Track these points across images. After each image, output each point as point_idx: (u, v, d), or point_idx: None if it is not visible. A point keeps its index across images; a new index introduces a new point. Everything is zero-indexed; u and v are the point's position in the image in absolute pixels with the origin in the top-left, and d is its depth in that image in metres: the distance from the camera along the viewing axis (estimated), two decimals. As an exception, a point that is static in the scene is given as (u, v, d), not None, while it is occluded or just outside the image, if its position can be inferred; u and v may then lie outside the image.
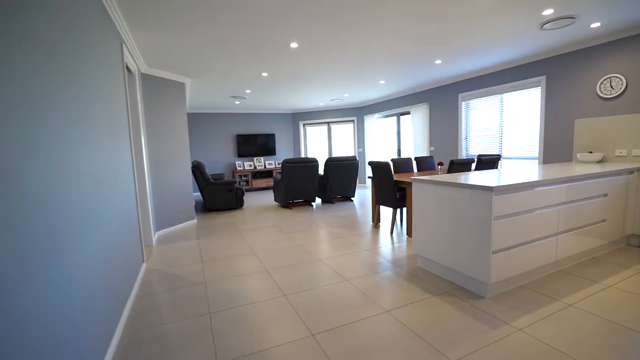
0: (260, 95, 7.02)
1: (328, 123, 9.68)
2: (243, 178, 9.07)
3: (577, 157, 4.18)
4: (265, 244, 3.96)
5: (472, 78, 5.70)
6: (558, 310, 2.17)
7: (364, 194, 7.90)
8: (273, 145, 9.71)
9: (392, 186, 4.11)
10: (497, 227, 2.28)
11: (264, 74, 5.13)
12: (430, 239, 2.80)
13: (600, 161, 4.01)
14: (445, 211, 2.61)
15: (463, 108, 6.00)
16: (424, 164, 5.51)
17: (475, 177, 2.74)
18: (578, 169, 3.19)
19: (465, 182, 2.43)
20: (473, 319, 2.10)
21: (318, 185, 6.69)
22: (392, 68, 5.10)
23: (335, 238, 4.11)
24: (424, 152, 7.00)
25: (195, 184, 8.30)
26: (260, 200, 7.46)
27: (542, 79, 4.62)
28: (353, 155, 8.26)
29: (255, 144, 9.48)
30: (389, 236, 4.10)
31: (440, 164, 4.76)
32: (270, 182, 9.38)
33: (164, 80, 4.73)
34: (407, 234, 4.10)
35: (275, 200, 6.88)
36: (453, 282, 2.65)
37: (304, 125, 9.96)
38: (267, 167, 9.56)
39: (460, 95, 5.98)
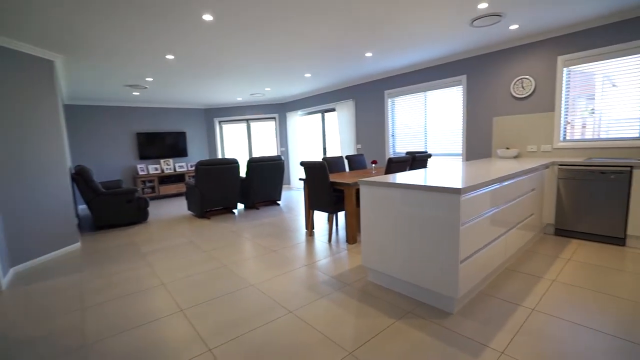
0: (166, 85, 5.88)
1: (247, 120, 8.87)
2: (148, 184, 7.64)
3: (497, 153, 4.40)
4: (178, 270, 3.11)
5: (398, 75, 5.68)
6: (525, 318, 2.00)
7: (290, 196, 7.38)
8: (184, 145, 8.45)
9: (328, 189, 3.68)
10: (464, 233, 2.00)
11: (169, 57, 4.17)
12: (384, 250, 2.43)
13: (516, 157, 4.28)
14: (403, 218, 2.25)
15: (389, 105, 5.97)
16: (356, 162, 5.27)
17: (432, 178, 2.46)
18: (511, 165, 3.23)
19: (428, 184, 2.10)
20: (451, 346, 1.76)
21: (240, 189, 5.91)
22: (320, 59, 4.69)
23: (266, 252, 3.49)
24: (351, 151, 6.83)
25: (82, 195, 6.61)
26: (171, 210, 6.29)
27: (463, 78, 4.78)
28: (277, 154, 7.66)
29: (162, 143, 8.09)
30: (328, 245, 3.67)
31: (374, 162, 4.55)
32: (182, 187, 8.13)
33: (17, 54, 3.41)
34: (347, 241, 3.73)
35: (189, 210, 5.85)
36: (414, 298, 2.32)
37: (219, 122, 8.94)
38: (177, 170, 8.27)
39: (386, 92, 5.93)
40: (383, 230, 2.41)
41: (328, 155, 7.75)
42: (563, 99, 3.92)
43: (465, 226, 2.01)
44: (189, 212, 6.00)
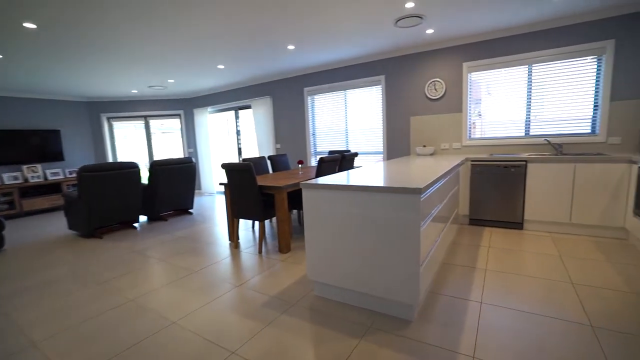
0: (27, 67, 4.50)
1: (145, 117, 7.60)
2: (3, 198, 5.81)
3: (416, 150, 4.63)
4: (58, 317, 2.28)
5: (318, 72, 5.54)
6: (478, 313, 2.00)
7: (203, 203, 6.58)
8: (58, 147, 6.73)
9: (256, 194, 3.26)
10: (423, 235, 1.89)
11: (29, 25, 3.12)
12: (333, 259, 2.18)
13: (433, 154, 4.57)
14: (356, 222, 2.03)
15: (309, 103, 5.79)
16: (280, 163, 4.92)
17: (378, 177, 2.31)
18: (437, 162, 3.36)
19: (386, 185, 1.92)
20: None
21: (142, 198, 4.94)
22: (237, 49, 4.19)
23: (185, 275, 2.88)
24: (269, 151, 6.44)
25: None
26: (43, 231, 4.87)
27: (382, 78, 4.90)
28: (186, 156, 6.73)
29: (24, 145, 6.26)
30: (259, 258, 3.25)
31: (300, 162, 4.29)
32: (57, 200, 6.46)
33: None
34: (279, 251, 3.37)
35: (71, 228, 4.59)
36: (370, 309, 2.13)
37: (108, 119, 7.44)
38: (50, 178, 6.53)
39: (306, 89, 5.74)
40: (331, 237, 2.15)
41: (244, 156, 7.19)
42: (468, 101, 4.33)
43: (424, 227, 1.90)
44: (72, 232, 4.73)
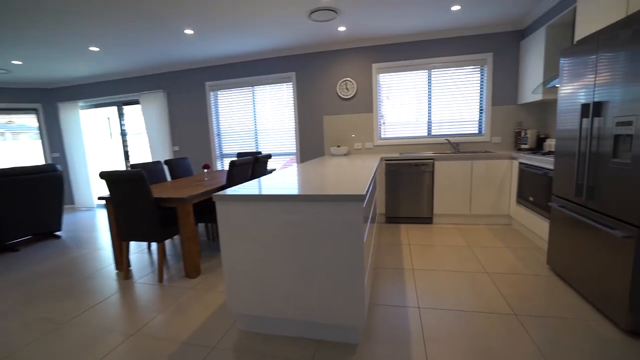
0: None
1: (-21, 112, 5.66)
2: None
3: (331, 150, 4.53)
4: None
5: (222, 65, 4.95)
6: (419, 321, 1.91)
7: (78, 221, 5.23)
8: None
9: (151, 208, 2.60)
10: (365, 246, 1.68)
11: None
12: (259, 285, 1.80)
13: (347, 154, 4.55)
14: (286, 239, 1.70)
15: (212, 100, 5.15)
16: (180, 168, 4.19)
17: (306, 183, 2.02)
18: (356, 163, 3.27)
19: (320, 193, 1.64)
20: (379, 397, 1.39)
21: (-26, 224, 3.55)
22: (116, 26, 3.35)
23: (50, 330, 2.07)
24: (165, 154, 5.52)
25: None
26: None
27: (293, 75, 4.65)
28: (49, 163, 5.22)
29: None
30: (160, 288, 2.60)
31: (206, 167, 3.71)
32: None
33: None
34: (187, 276, 2.77)
35: None
36: (308, 337, 1.82)
37: None
38: None
39: (207, 84, 5.08)
40: (256, 259, 1.77)
41: (134, 161, 6.02)
42: (378, 101, 4.44)
43: (365, 237, 1.70)
44: None
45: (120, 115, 5.86)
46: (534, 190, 3.03)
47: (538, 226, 2.99)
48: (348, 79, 4.45)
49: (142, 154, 5.92)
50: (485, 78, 4.08)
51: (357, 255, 1.61)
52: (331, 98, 4.57)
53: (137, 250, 3.56)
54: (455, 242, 3.23)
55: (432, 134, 4.36)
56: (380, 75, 4.39)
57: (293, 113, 4.78)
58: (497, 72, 4.02)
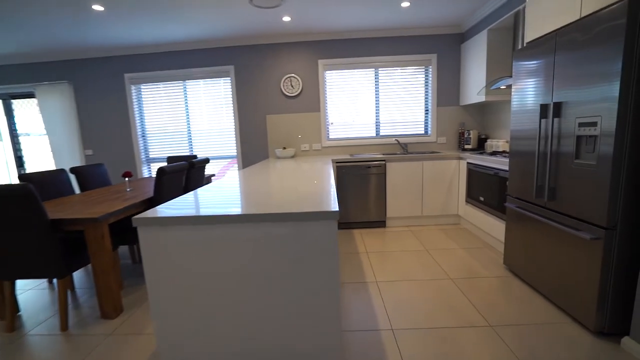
0: None
1: None
2: None
3: (276, 153, 4.15)
4: None
5: (145, 54, 4.22)
6: (396, 344, 1.68)
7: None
8: None
9: (46, 235, 1.96)
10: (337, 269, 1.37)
11: None
12: (203, 331, 1.38)
13: (294, 156, 4.21)
14: (239, 271, 1.31)
15: (133, 94, 4.39)
16: (93, 177, 3.42)
17: (269, 193, 1.64)
18: (307, 166, 2.97)
19: (282, 211, 1.29)
20: None
21: None
22: (-8, -5, 2.54)
23: None
24: (74, 160, 4.56)
25: None
26: None
27: (231, 68, 4.16)
28: None
29: None
30: (64, 339, 1.97)
31: (128, 175, 3.06)
32: None
33: None
34: (102, 317, 2.16)
35: None
36: (269, 391, 1.45)
37: None
38: None
39: (127, 76, 4.30)
40: (197, 299, 1.35)
41: (30, 169, 4.88)
42: (325, 100, 4.19)
43: (336, 259, 1.40)
44: None
45: (9, 111, 4.69)
46: (485, 190, 3.06)
47: (488, 225, 3.03)
48: (293, 75, 4.12)
49: (43, 160, 4.82)
50: (430, 79, 4.11)
51: (331, 281, 1.29)
52: (275, 95, 4.20)
53: (30, 285, 2.76)
54: (412, 247, 3.12)
55: (381, 134, 4.27)
56: (327, 72, 4.15)
57: (232, 111, 4.28)
58: (441, 74, 4.07)
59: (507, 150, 3.41)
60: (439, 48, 4.02)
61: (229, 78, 4.20)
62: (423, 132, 4.25)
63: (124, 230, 2.62)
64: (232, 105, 4.27)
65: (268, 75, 4.15)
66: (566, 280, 1.90)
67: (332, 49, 4.05)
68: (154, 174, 4.62)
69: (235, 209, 1.33)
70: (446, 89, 4.09)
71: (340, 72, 4.14)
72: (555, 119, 1.94)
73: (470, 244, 3.12)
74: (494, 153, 3.33)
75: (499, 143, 3.54)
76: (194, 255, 1.31)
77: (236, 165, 4.43)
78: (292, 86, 4.15)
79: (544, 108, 2.03)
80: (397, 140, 4.13)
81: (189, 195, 1.73)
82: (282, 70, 4.13)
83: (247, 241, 1.28)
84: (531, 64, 2.15)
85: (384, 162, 3.65)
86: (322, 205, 1.31)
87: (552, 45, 1.95)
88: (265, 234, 1.27)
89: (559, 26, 2.01)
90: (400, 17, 3.56)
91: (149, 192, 2.78)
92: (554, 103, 1.94)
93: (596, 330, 1.72)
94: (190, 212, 1.33)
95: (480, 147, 3.90)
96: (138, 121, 4.45)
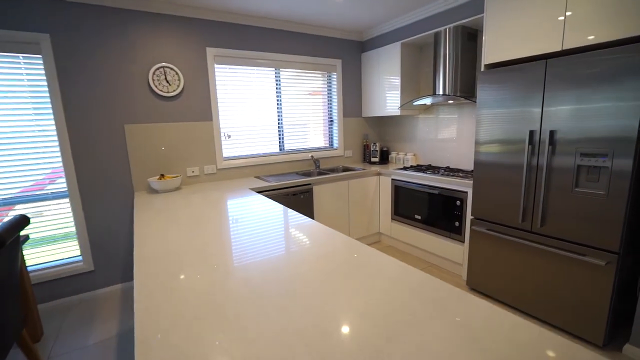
0: None
1: None
2: None
3: (150, 184, 2.65)
4: None
5: None
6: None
7: None
8: None
9: None
10: None
11: None
12: None
13: (179, 187, 2.85)
14: None
15: None
16: None
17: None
18: (216, 208, 1.98)
19: None
20: None
21: None
22: None
23: None
24: None
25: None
26: None
27: (46, 38, 2.30)
28: None
29: None
30: None
31: None
32: None
33: None
34: None
35: None
36: None
37: None
38: None
39: None
40: None
41: None
42: (218, 103, 3.05)
43: None
44: None
45: None
46: (421, 208, 3.00)
47: (427, 243, 3.00)
48: (169, 65, 2.74)
49: None
50: (334, 86, 3.74)
51: None
52: (139, 93, 2.67)
53: None
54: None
55: (286, 149, 3.55)
56: (219, 66, 3.02)
57: (52, 115, 2.42)
58: (345, 82, 3.77)
59: (421, 164, 3.51)
60: (343, 54, 3.70)
61: (41, 55, 2.32)
62: (329, 144, 3.86)
63: None
64: (49, 103, 2.40)
65: (124, 57, 2.57)
66: (565, 300, 1.98)
67: (225, 34, 2.96)
68: None
69: None
70: (350, 99, 3.84)
71: (235, 68, 3.11)
72: (548, 146, 1.96)
73: (418, 264, 3.02)
74: (405, 168, 3.34)
75: (407, 157, 3.62)
76: None
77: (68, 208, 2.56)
78: (167, 82, 2.75)
79: (532, 134, 2.04)
80: (312, 156, 3.54)
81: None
82: (148, 55, 2.66)
83: None
84: (510, 85, 2.11)
85: (310, 186, 3.01)
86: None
87: (541, 70, 1.95)
88: None
89: (530, 54, 2.04)
90: (310, 7, 2.97)
91: None
92: (549, 130, 1.96)
93: (602, 344, 1.86)
94: None
95: (383, 160, 3.89)
96: None
